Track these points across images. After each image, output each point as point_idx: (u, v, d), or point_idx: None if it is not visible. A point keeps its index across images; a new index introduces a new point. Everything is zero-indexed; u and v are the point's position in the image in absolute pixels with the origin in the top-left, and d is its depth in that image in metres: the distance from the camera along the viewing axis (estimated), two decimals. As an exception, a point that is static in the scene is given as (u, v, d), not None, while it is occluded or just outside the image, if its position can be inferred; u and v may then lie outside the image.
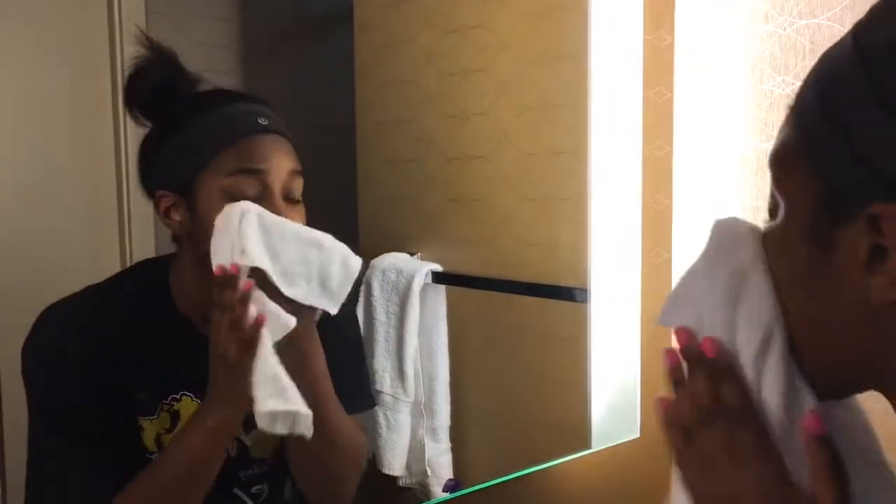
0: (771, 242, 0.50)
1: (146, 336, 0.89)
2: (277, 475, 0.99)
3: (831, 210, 0.44)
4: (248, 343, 0.80)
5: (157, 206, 0.89)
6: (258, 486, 0.97)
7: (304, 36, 1.47)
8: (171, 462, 0.84)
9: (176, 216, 0.87)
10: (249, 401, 0.81)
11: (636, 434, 1.60)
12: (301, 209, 0.90)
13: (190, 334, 0.91)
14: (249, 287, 0.81)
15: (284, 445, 0.96)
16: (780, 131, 0.50)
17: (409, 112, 1.54)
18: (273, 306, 0.83)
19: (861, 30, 0.45)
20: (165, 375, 0.90)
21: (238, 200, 0.84)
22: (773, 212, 0.51)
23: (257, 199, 0.85)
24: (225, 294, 0.81)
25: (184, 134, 0.86)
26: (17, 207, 1.06)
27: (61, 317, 0.87)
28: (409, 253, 1.51)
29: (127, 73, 0.89)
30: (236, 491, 0.96)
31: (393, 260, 1.49)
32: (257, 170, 0.85)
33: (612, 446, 1.57)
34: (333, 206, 1.49)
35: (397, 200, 1.56)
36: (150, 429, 0.89)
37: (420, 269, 1.46)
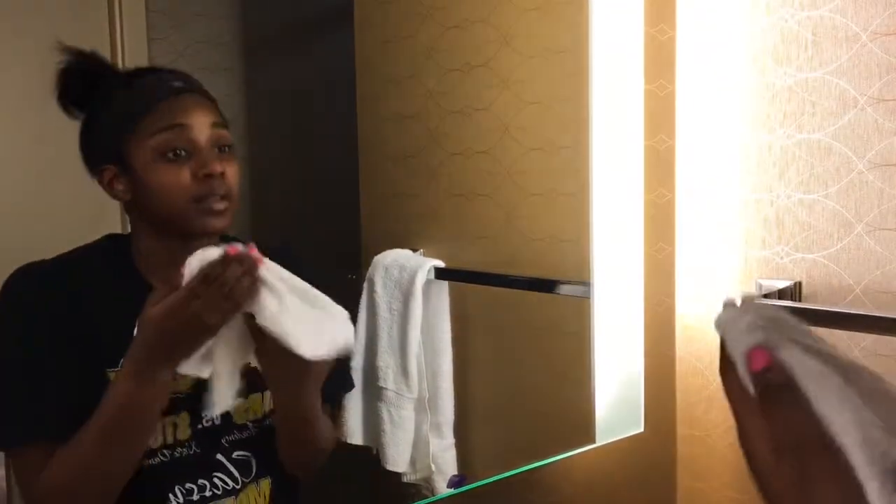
0: None
1: (110, 296, 0.94)
2: (262, 444, 1.01)
3: None
4: (240, 301, 0.81)
5: (101, 182, 0.94)
6: (241, 453, 0.99)
7: (305, 32, 1.47)
8: (105, 413, 0.85)
9: (119, 185, 0.93)
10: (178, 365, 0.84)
11: (640, 428, 1.60)
12: (233, 159, 0.96)
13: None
14: (260, 263, 0.82)
15: (270, 419, 1.02)
16: None
17: (410, 108, 1.54)
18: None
19: None
20: (124, 331, 0.90)
21: (169, 156, 0.91)
22: None
23: (188, 155, 0.91)
24: (230, 269, 0.81)
25: (109, 109, 0.93)
26: (20, 201, 1.07)
27: (32, 272, 0.93)
28: (411, 249, 1.51)
29: (56, 75, 0.94)
30: (219, 457, 0.98)
31: (395, 256, 1.49)
32: (179, 125, 0.92)
33: (617, 441, 1.57)
34: (335, 202, 1.49)
35: (399, 196, 1.56)
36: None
37: (423, 265, 1.46)
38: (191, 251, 0.85)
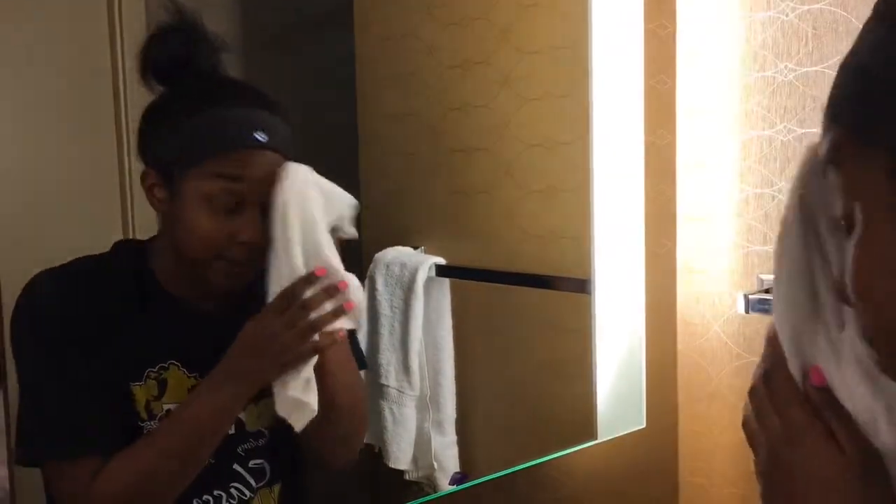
0: (860, 250, 0.48)
1: (129, 306, 0.92)
2: (276, 449, 1.00)
3: None
4: (321, 349, 0.87)
5: (143, 178, 0.91)
6: (257, 461, 0.98)
7: (305, 30, 1.47)
8: (177, 427, 0.88)
9: (159, 194, 0.90)
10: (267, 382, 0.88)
11: (642, 424, 1.60)
12: None
13: (172, 308, 0.94)
14: (352, 308, 0.87)
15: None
16: (827, 135, 0.48)
17: (410, 105, 1.54)
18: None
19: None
20: (148, 344, 0.92)
21: (216, 204, 0.87)
22: (850, 226, 0.48)
23: (235, 211, 0.88)
24: (320, 298, 0.86)
25: (181, 128, 0.88)
26: (19, 196, 1.07)
27: (53, 279, 0.90)
28: (412, 246, 1.51)
29: (146, 39, 0.90)
30: (235, 467, 0.97)
31: (396, 254, 1.49)
32: (242, 179, 0.87)
33: (618, 437, 1.57)
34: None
35: (400, 194, 1.56)
36: (140, 395, 0.91)
37: (424, 262, 1.46)
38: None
